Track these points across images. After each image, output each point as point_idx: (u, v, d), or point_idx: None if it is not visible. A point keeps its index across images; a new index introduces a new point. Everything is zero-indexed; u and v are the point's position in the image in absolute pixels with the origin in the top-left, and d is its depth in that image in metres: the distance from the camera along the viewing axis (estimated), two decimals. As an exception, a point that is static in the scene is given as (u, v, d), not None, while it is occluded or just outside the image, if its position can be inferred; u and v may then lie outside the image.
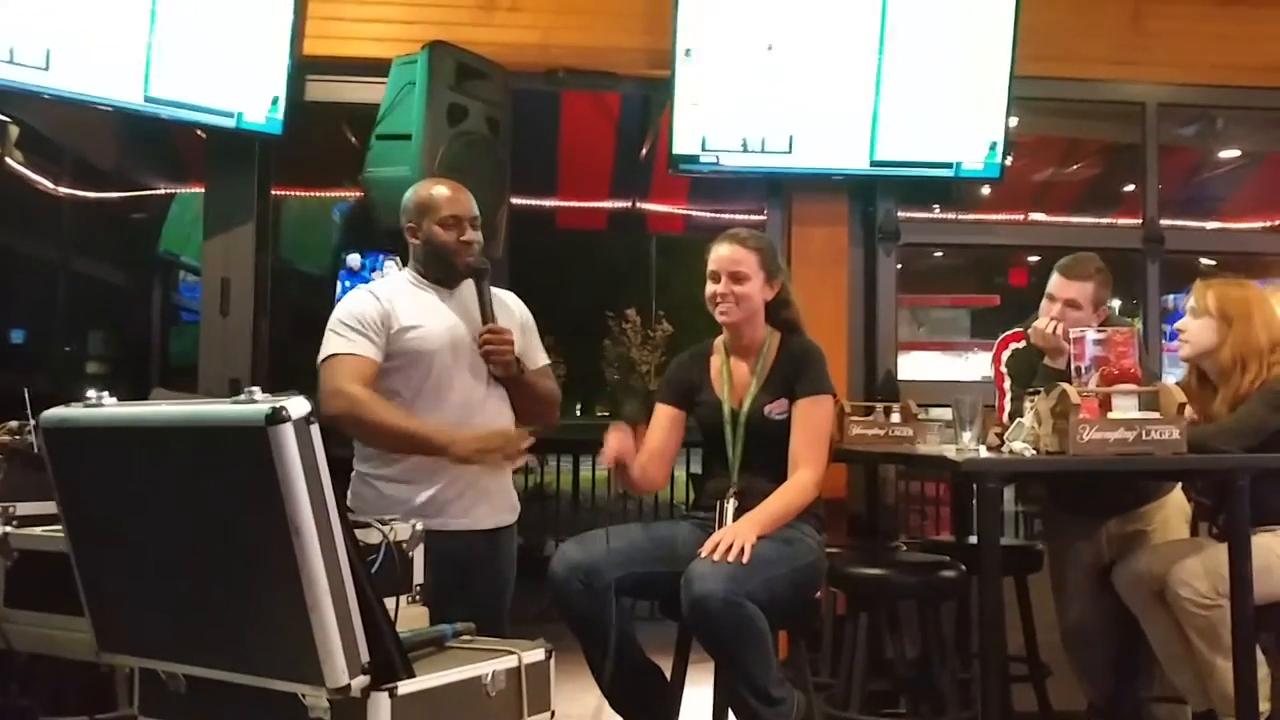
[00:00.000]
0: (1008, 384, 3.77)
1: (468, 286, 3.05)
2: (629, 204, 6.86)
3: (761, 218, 4.81)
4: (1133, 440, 3.01)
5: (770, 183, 4.59)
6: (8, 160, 5.29)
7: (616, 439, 2.94)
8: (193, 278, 7.37)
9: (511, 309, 3.15)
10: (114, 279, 7.24)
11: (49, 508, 2.50)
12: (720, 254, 3.15)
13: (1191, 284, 3.53)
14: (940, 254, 8.52)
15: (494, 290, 3.09)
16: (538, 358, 3.17)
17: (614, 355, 16.14)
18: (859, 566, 3.40)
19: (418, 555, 2.66)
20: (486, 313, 2.96)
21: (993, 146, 4.38)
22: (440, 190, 3.05)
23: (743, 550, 2.79)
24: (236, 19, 3.98)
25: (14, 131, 5.20)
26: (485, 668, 2.02)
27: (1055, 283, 3.57)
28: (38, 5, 3.60)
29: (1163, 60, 4.69)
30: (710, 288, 3.16)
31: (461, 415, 2.95)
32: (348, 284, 5.39)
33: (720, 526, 2.98)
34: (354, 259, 5.73)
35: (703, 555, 2.81)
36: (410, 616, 2.50)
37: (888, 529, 4.49)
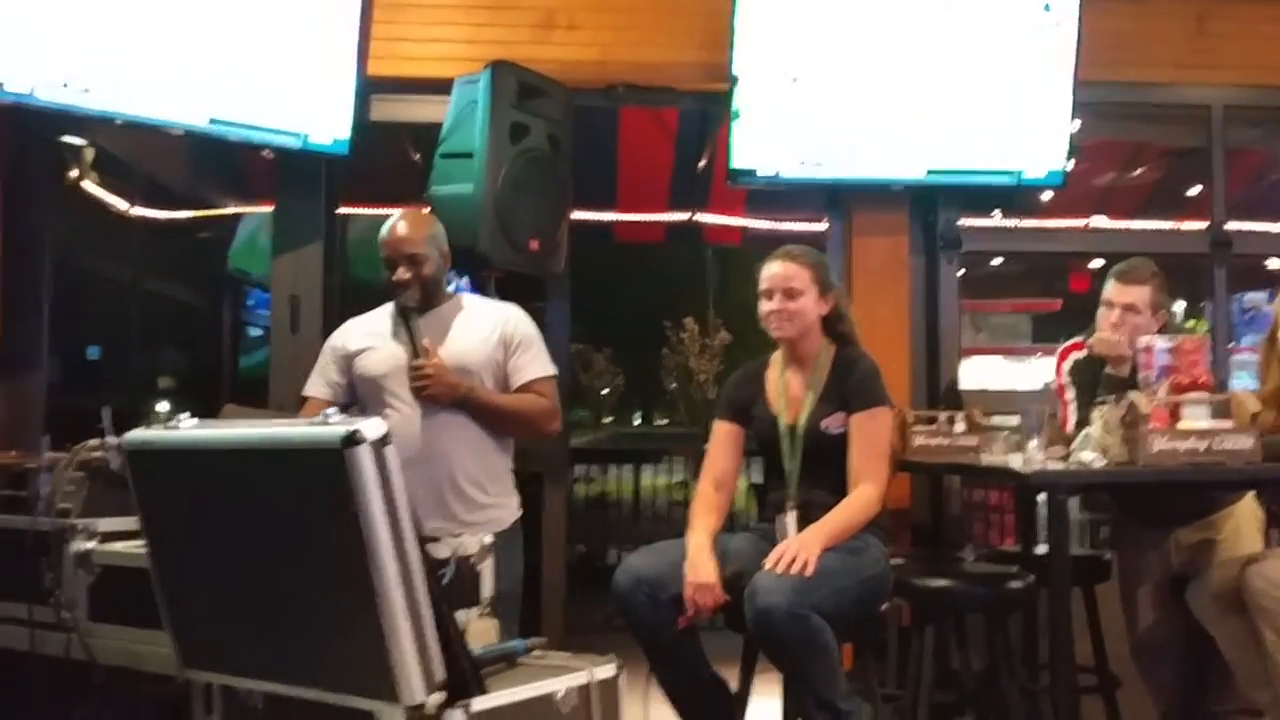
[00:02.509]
0: (1070, 394, 3.73)
1: (437, 314, 3.22)
2: (687, 216, 6.87)
3: (820, 228, 4.81)
4: (1204, 450, 2.98)
5: (830, 194, 4.58)
6: (83, 183, 5.42)
7: (715, 598, 2.91)
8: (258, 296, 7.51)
9: (490, 328, 3.22)
10: (184, 297, 7.37)
11: (130, 524, 2.57)
12: (773, 271, 3.17)
13: (1252, 289, 3.47)
14: (1000, 259, 8.43)
15: (487, 304, 3.36)
16: (527, 373, 3.22)
17: (672, 364, 16.21)
18: (925, 578, 3.37)
19: (486, 568, 2.70)
20: (415, 348, 3.12)
21: (1056, 154, 4.34)
22: (382, 232, 3.21)
23: (806, 563, 2.80)
24: (302, 41, 4.05)
25: (89, 154, 5.32)
26: (558, 684, 2.05)
27: (1112, 289, 3.54)
28: (113, 36, 3.69)
29: (1228, 63, 4.63)
30: (764, 305, 3.17)
31: (407, 433, 3.05)
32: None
33: (781, 539, 2.98)
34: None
35: (766, 567, 2.82)
36: (479, 630, 2.53)
37: (952, 539, 4.46)
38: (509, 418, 3.22)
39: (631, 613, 2.92)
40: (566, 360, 4.91)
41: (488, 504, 3.18)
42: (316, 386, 3.30)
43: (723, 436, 3.26)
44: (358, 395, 3.25)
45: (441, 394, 3.09)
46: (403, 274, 3.16)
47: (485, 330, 3.22)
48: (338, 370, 3.28)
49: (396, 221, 3.21)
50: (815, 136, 4.27)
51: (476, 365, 3.18)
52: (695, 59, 4.40)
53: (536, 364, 3.24)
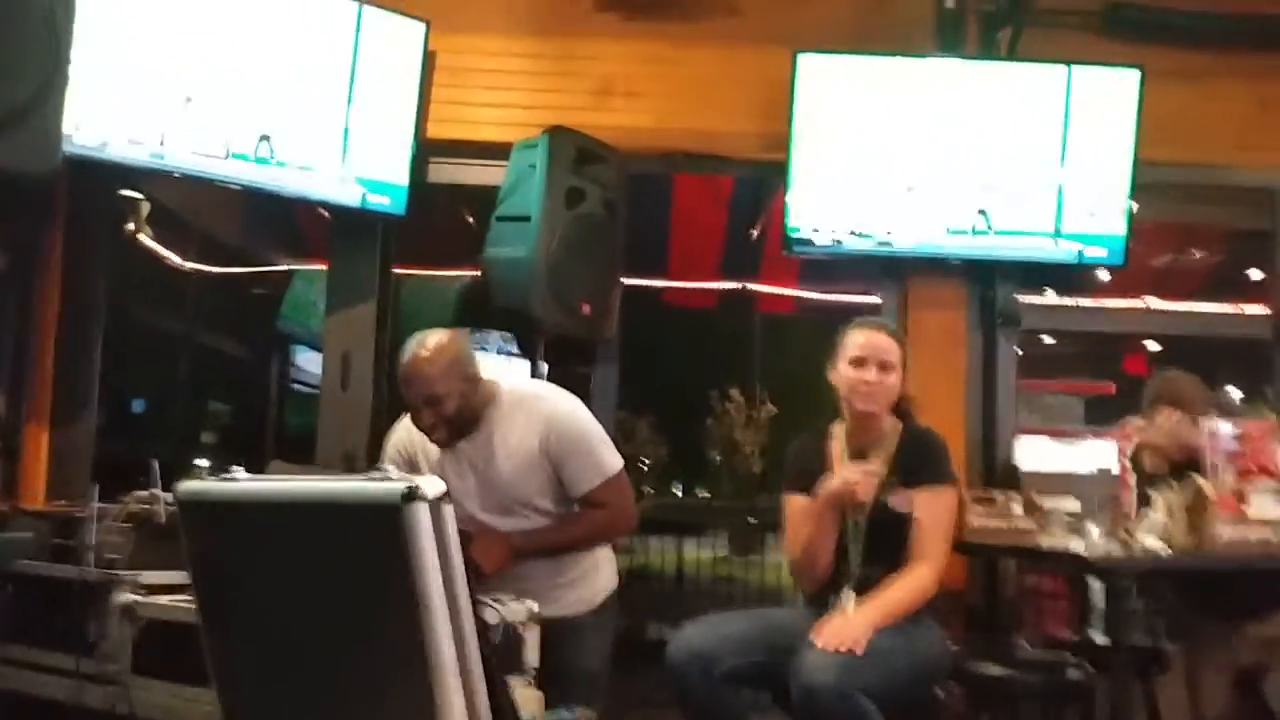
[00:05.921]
0: (1133, 478, 3.65)
1: (475, 441, 2.97)
2: (739, 285, 6.87)
3: (873, 300, 4.77)
4: (1277, 540, 2.89)
5: (886, 265, 4.54)
6: (139, 236, 5.48)
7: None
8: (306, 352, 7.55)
9: (534, 447, 2.95)
10: (234, 351, 7.43)
11: (175, 577, 2.56)
12: (871, 341, 3.06)
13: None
14: (1052, 340, 8.35)
15: (525, 406, 2.99)
16: (580, 485, 2.98)
17: (717, 435, 16.16)
18: (980, 663, 3.28)
19: (531, 635, 2.64)
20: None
21: (1115, 233, 4.30)
22: (400, 366, 2.92)
23: (856, 642, 2.72)
24: (361, 104, 4.10)
25: (145, 208, 5.39)
26: (606, 756, 1.99)
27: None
28: (177, 94, 3.75)
29: (1290, 145, 4.56)
30: (854, 373, 3.05)
31: None
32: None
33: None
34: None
35: (815, 641, 2.74)
36: (524, 699, 2.47)
37: (1007, 624, 4.34)
38: (572, 547, 3.06)
39: (683, 686, 2.85)
40: (611, 429, 4.87)
41: (570, 592, 3.06)
42: None
43: (801, 510, 3.11)
44: None
45: (501, 573, 2.83)
46: (425, 419, 2.89)
47: (528, 450, 2.96)
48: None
49: (410, 359, 2.89)
50: (874, 207, 4.26)
51: (527, 494, 2.98)
52: (751, 128, 4.41)
53: (589, 471, 2.97)
